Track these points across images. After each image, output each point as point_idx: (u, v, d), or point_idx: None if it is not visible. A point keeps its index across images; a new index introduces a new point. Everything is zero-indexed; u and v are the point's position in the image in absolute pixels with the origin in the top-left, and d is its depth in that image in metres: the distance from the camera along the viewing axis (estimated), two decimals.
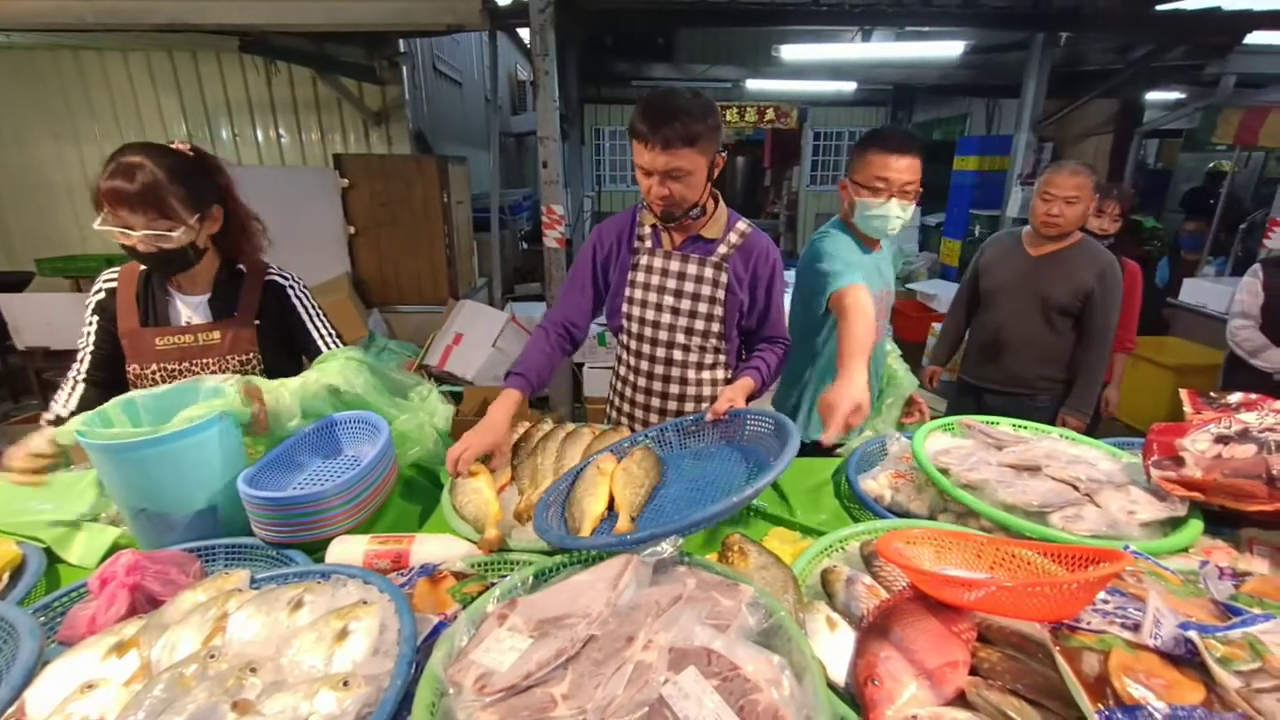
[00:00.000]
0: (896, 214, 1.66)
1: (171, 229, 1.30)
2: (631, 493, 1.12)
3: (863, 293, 1.49)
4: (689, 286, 1.55)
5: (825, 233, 1.81)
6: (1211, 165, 5.48)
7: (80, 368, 1.44)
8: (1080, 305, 2.16)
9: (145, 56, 4.73)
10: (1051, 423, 2.14)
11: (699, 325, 1.57)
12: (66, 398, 1.42)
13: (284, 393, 1.26)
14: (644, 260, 1.57)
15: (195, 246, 1.37)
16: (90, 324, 1.44)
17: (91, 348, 1.44)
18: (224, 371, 1.42)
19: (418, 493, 1.40)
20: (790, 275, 1.79)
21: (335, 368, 1.36)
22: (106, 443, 1.05)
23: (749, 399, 1.46)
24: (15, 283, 4.37)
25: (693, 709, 0.62)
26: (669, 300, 1.56)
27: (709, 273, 1.54)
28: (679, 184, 1.39)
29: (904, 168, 1.62)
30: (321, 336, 1.54)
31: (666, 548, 0.86)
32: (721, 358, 1.64)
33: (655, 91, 1.40)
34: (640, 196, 1.52)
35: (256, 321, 1.48)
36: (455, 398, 3.84)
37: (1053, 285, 2.16)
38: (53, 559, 1.13)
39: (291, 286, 1.55)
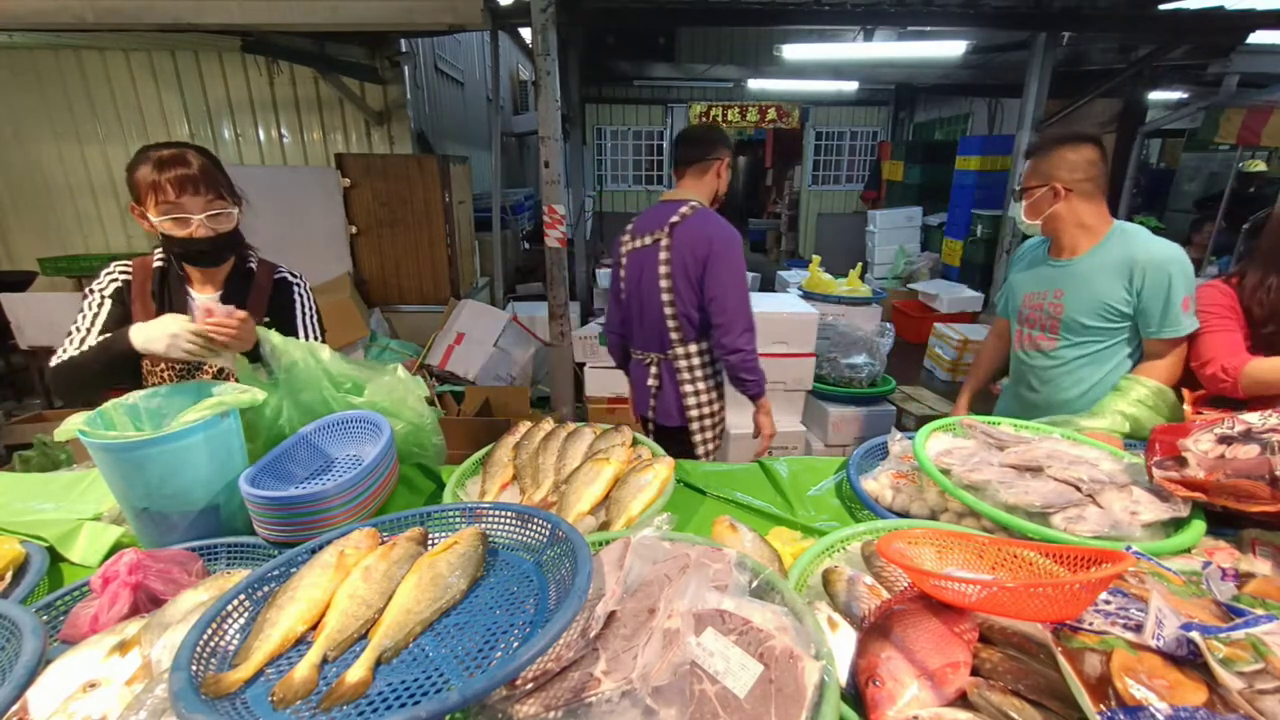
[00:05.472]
0: (1016, 216, 1.82)
1: (229, 209, 1.36)
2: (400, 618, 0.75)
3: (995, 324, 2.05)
4: None
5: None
6: (1241, 166, 5.44)
7: (85, 340, 1.37)
8: None
9: (148, 56, 4.73)
10: None
11: None
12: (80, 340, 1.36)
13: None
14: None
15: (239, 233, 1.42)
16: (100, 306, 1.41)
17: (99, 328, 1.38)
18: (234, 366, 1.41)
19: (419, 492, 1.40)
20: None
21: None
22: (108, 442, 1.06)
23: None
24: (18, 282, 4.37)
25: (719, 664, 0.69)
26: None
27: None
28: None
29: (1020, 171, 1.75)
30: (306, 332, 1.56)
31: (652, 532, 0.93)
32: None
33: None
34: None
35: (266, 318, 1.50)
36: (457, 397, 3.84)
37: None
38: (55, 557, 1.13)
39: (297, 284, 1.60)
